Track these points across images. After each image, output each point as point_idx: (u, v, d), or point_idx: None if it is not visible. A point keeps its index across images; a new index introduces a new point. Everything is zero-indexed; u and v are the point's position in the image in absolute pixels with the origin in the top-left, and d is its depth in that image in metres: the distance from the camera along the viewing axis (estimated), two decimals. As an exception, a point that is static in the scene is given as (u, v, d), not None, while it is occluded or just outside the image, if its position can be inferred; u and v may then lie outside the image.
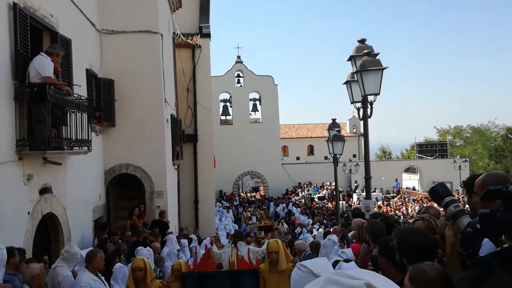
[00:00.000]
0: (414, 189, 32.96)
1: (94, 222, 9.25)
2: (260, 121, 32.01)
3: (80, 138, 7.19)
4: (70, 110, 6.76)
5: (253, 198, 30.05)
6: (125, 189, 10.71)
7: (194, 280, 5.40)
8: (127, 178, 10.66)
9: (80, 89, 7.83)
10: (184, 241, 10.20)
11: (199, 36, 17.14)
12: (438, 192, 2.29)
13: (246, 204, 25.31)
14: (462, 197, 27.39)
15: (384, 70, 7.66)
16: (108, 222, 9.65)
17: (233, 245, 6.77)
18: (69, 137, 6.80)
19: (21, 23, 5.90)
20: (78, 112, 7.00)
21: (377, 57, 7.79)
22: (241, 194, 33.06)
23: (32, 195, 6.22)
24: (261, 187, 33.99)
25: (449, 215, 2.18)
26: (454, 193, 28.69)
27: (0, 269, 3.59)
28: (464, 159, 33.02)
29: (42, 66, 6.02)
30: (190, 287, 5.39)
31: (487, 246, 2.17)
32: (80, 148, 7.33)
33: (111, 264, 6.11)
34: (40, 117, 5.95)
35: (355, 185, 30.19)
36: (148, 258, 6.64)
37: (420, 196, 28.92)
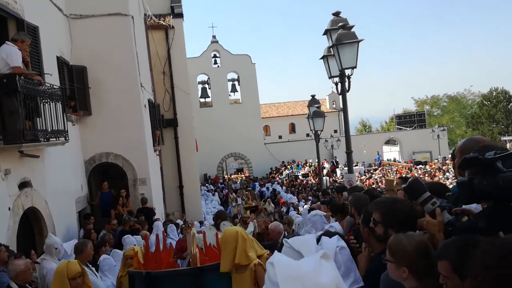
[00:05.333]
0: (395, 160, 33.60)
1: (78, 213, 9.13)
2: (240, 101, 31.87)
3: (56, 128, 7.01)
4: (43, 101, 6.56)
5: (236, 180, 30.11)
6: (107, 178, 10.56)
7: (142, 282, 4.11)
8: (109, 167, 10.50)
9: (52, 78, 7.58)
10: (172, 227, 10.15)
11: (171, 16, 16.72)
12: (414, 188, 2.28)
13: (232, 188, 25.35)
14: (442, 164, 28.09)
15: (360, 43, 7.65)
16: (92, 213, 9.53)
17: (210, 228, 5.70)
18: (44, 128, 6.62)
19: (-18, 11, 5.64)
20: (52, 102, 6.80)
21: (352, 30, 7.76)
22: (225, 176, 33.11)
23: (11, 190, 6.08)
24: (245, 168, 34.10)
25: (428, 212, 2.19)
26: (434, 162, 29.19)
27: None
28: (442, 128, 33.74)
29: (10, 56, 5.79)
30: None
31: None
32: (57, 139, 7.15)
33: (97, 254, 6.06)
34: (12, 109, 5.76)
35: (332, 160, 30.48)
36: (135, 245, 6.61)
37: (401, 167, 29.50)
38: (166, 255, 4.55)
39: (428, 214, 2.15)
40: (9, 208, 5.92)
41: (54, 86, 7.05)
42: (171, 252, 4.79)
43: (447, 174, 24.97)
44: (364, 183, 22.55)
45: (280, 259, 1.52)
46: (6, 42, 5.99)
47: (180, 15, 16.93)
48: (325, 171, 27.98)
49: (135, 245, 6.55)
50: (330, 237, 2.71)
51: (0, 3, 6.25)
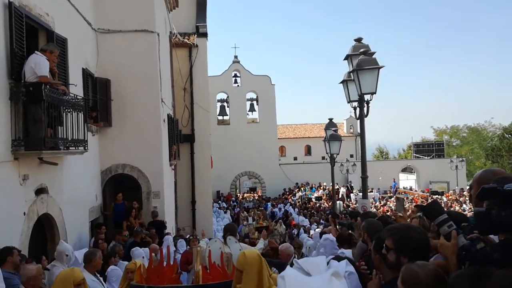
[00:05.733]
0: (411, 189, 33.03)
1: (90, 222, 9.21)
2: (258, 121, 32.02)
3: (76, 138, 7.15)
4: (66, 110, 6.72)
5: (250, 199, 29.98)
6: (122, 189, 10.67)
7: None
8: (124, 178, 10.62)
9: (76, 88, 7.80)
10: (182, 242, 10.13)
11: (196, 35, 17.11)
12: (433, 209, 2.28)
13: (244, 207, 25.24)
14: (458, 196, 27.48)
15: (380, 69, 7.67)
16: (104, 223, 9.60)
17: (216, 240, 5.36)
18: (65, 137, 6.76)
19: (16, 22, 5.86)
20: (74, 112, 6.97)
21: (373, 56, 7.80)
22: (238, 194, 33.02)
23: (28, 196, 6.18)
24: (259, 188, 33.97)
25: (443, 234, 2.17)
26: (451, 192, 28.52)
27: None
28: (461, 159, 33.13)
29: (38, 65, 5.99)
30: None
31: None
32: (76, 148, 7.29)
33: (106, 265, 6.09)
34: (36, 117, 5.91)
35: (347, 184, 30.10)
36: (143, 258, 6.63)
37: (416, 195, 28.96)
38: (169, 270, 4.50)
39: (443, 237, 2.12)
40: (24, 213, 6.02)
41: (78, 97, 7.24)
42: (175, 268, 4.76)
43: (464, 206, 24.39)
44: (378, 210, 22.18)
45: (291, 274, 1.52)
46: (36, 52, 6.20)
47: (204, 35, 17.31)
48: (341, 195, 27.68)
49: (143, 257, 6.57)
50: (339, 261, 2.67)
51: (33, 15, 6.51)
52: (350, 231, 5.96)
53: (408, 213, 6.40)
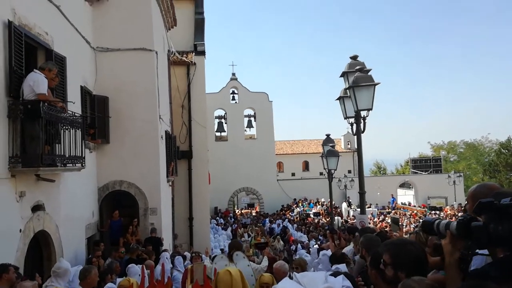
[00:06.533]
0: (409, 204, 32.96)
1: (87, 239, 9.15)
2: (255, 137, 32.10)
3: (74, 155, 7.15)
4: (64, 127, 6.75)
5: (249, 215, 29.81)
6: (119, 206, 10.62)
7: None
8: (121, 195, 10.59)
9: (75, 106, 7.83)
10: (179, 259, 10.04)
11: (193, 53, 17.29)
12: (428, 221, 2.35)
13: (242, 223, 25.09)
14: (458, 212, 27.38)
15: (377, 86, 7.75)
16: (101, 240, 9.53)
17: (222, 257, 5.53)
18: (62, 154, 6.77)
19: (16, 41, 5.94)
20: (72, 129, 6.99)
21: (369, 73, 7.88)
22: (236, 210, 32.85)
23: (24, 213, 6.16)
24: (257, 204, 33.84)
25: (442, 228, 2.19)
26: (448, 207, 28.44)
27: None
28: (458, 174, 33.18)
29: (37, 83, 6.04)
30: None
31: (477, 260, 2.17)
32: (74, 165, 7.28)
33: (103, 282, 6.03)
34: (34, 134, 5.94)
35: (347, 200, 30.05)
36: (139, 276, 6.56)
37: (415, 211, 28.87)
38: None
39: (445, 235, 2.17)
40: (20, 230, 5.98)
41: (76, 114, 7.27)
42: (169, 287, 4.70)
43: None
44: (377, 226, 22.07)
45: (285, 287, 1.53)
46: (34, 70, 6.26)
47: (202, 53, 17.49)
48: (344, 212, 27.57)
49: (139, 275, 6.50)
50: (336, 277, 2.67)
51: (32, 34, 6.60)
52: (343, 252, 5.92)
53: (405, 228, 6.40)
